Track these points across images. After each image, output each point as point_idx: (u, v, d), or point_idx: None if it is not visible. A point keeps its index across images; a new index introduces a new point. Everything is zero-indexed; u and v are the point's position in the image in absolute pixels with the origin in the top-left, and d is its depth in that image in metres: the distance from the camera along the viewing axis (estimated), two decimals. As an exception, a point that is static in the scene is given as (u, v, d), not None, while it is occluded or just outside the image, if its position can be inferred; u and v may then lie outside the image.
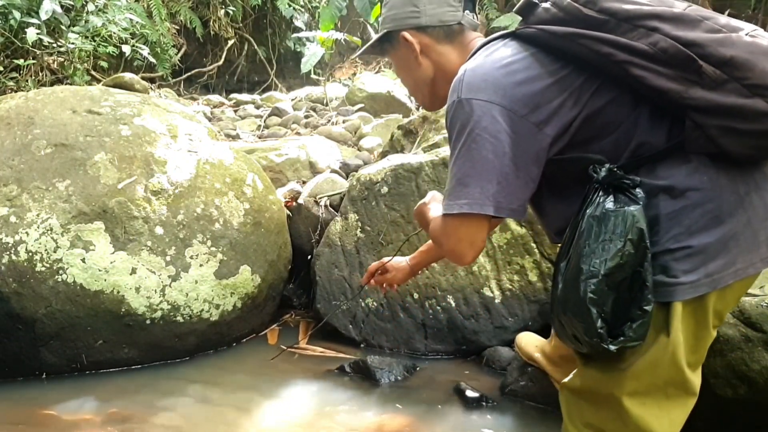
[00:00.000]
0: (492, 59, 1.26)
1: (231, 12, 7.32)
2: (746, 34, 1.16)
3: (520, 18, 1.34)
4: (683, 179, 1.17)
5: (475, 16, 1.49)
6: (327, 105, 5.70)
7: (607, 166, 1.17)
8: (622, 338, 1.13)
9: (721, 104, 1.12)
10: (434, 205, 1.51)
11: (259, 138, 4.51)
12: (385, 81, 5.65)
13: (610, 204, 1.15)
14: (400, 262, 1.92)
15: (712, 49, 1.13)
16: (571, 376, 1.36)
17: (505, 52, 1.27)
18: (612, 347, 1.13)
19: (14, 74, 4.60)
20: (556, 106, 1.21)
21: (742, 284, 1.22)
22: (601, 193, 1.17)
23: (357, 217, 2.73)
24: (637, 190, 1.16)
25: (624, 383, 1.20)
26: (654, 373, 1.19)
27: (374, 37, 1.55)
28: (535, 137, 1.21)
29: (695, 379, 1.23)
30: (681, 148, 1.18)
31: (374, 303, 2.60)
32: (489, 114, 1.19)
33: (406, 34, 1.44)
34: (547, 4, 1.28)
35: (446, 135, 3.05)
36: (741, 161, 1.18)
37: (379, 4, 4.91)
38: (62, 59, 4.81)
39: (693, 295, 1.16)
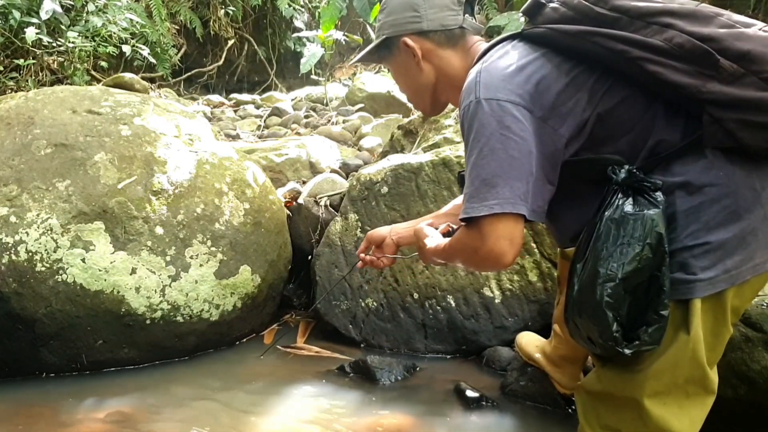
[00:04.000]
0: (505, 61, 1.25)
1: (231, 12, 7.33)
2: (759, 29, 1.17)
3: (516, 17, 1.34)
4: (699, 175, 1.17)
5: (474, 20, 1.48)
6: (327, 105, 5.70)
7: (626, 167, 1.17)
8: (637, 342, 1.13)
9: (739, 98, 1.13)
10: (431, 236, 1.51)
11: (259, 138, 4.51)
12: (385, 81, 5.65)
13: (629, 207, 1.14)
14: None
15: (729, 43, 1.14)
16: (587, 378, 1.35)
17: (516, 53, 1.26)
18: (627, 351, 1.13)
19: (14, 74, 4.61)
20: (570, 106, 1.21)
21: (760, 279, 1.22)
22: (620, 195, 1.16)
23: (357, 217, 2.73)
24: (657, 193, 1.15)
25: (644, 384, 1.20)
26: (674, 372, 1.19)
27: (372, 43, 1.52)
28: (551, 138, 1.20)
29: (714, 376, 1.23)
30: (696, 145, 1.18)
31: (374, 303, 2.60)
32: (510, 113, 1.18)
33: (408, 40, 1.42)
34: (555, 4, 1.27)
35: (446, 136, 3.06)
36: (757, 156, 1.18)
37: (378, 3, 4.91)
38: (62, 59, 4.81)
39: (711, 292, 1.16)
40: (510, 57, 1.26)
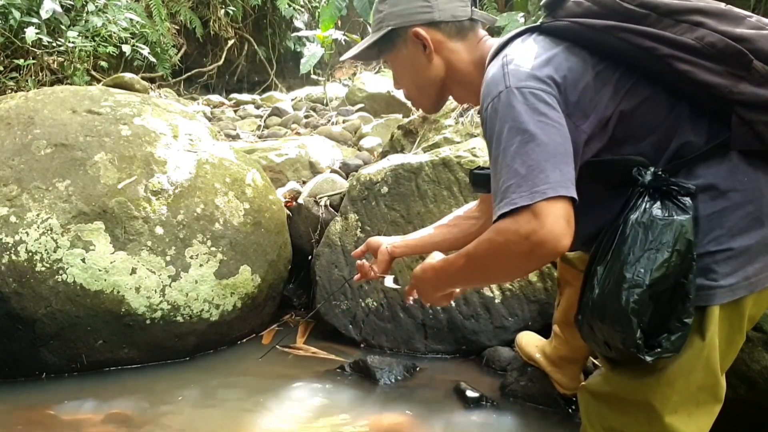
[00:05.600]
0: (531, 53, 1.19)
1: (231, 12, 7.32)
2: None
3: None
4: (724, 179, 1.15)
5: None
6: (327, 105, 5.70)
7: (652, 169, 1.14)
8: (658, 350, 1.10)
9: None
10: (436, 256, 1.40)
11: (259, 138, 4.50)
12: (385, 81, 5.64)
13: (657, 211, 1.10)
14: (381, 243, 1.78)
15: (762, 44, 1.12)
16: (592, 378, 1.33)
17: (539, 46, 1.21)
18: (648, 358, 1.09)
19: (14, 74, 4.60)
20: (595, 102, 1.17)
21: None
22: (646, 198, 1.12)
23: (357, 217, 2.73)
24: (686, 198, 1.11)
25: (656, 390, 1.17)
26: (687, 379, 1.16)
27: (371, 36, 1.43)
28: (573, 134, 1.16)
29: (724, 384, 1.21)
30: (721, 147, 1.15)
31: (374, 303, 2.60)
32: (544, 101, 1.13)
33: (420, 30, 1.35)
34: None
35: (446, 136, 3.06)
36: None
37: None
38: (62, 59, 4.81)
39: (731, 299, 1.14)
40: (535, 49, 1.20)
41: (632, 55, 1.17)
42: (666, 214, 1.10)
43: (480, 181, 1.39)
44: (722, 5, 1.18)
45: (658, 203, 1.11)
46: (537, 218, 1.06)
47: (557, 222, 1.06)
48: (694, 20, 1.15)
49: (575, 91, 1.17)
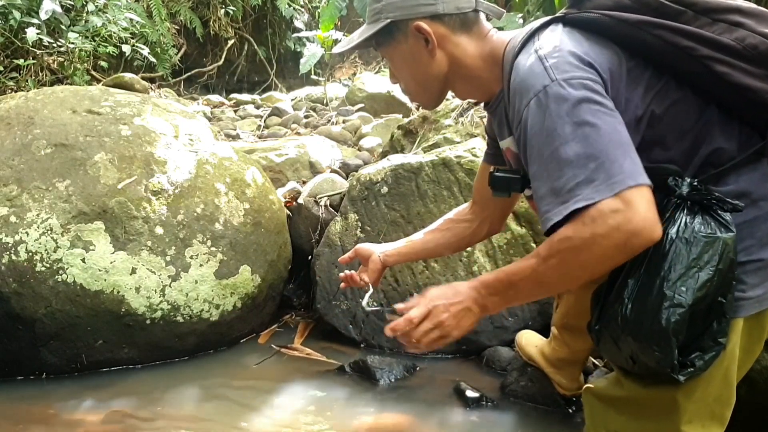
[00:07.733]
0: (566, 44, 1.12)
1: (231, 12, 7.32)
2: None
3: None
4: (756, 187, 1.11)
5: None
6: (327, 105, 5.70)
7: (688, 180, 1.08)
8: (691, 369, 1.06)
9: None
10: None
11: (259, 138, 4.50)
12: (385, 81, 5.64)
13: (699, 226, 1.04)
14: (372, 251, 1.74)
15: None
16: (600, 382, 1.30)
17: (571, 38, 1.13)
18: (681, 378, 1.06)
19: (14, 74, 4.60)
20: (628, 100, 1.11)
21: None
22: (685, 212, 1.05)
23: (357, 217, 2.73)
24: (727, 214, 1.06)
25: (674, 399, 1.13)
26: (706, 390, 1.13)
27: (368, 28, 1.35)
28: None
29: (735, 395, 1.19)
30: (752, 153, 1.12)
31: (374, 303, 2.60)
32: (595, 90, 1.06)
33: (422, 24, 1.26)
34: None
35: (446, 136, 3.06)
36: None
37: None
38: (62, 59, 4.81)
39: (757, 310, 1.11)
40: (569, 41, 1.13)
41: (665, 54, 1.11)
42: (709, 231, 1.04)
43: (500, 183, 1.32)
44: (756, 5, 1.14)
45: (699, 218, 1.05)
46: (628, 206, 0.97)
47: (650, 209, 0.99)
48: (733, 20, 1.10)
49: (613, 86, 1.10)
